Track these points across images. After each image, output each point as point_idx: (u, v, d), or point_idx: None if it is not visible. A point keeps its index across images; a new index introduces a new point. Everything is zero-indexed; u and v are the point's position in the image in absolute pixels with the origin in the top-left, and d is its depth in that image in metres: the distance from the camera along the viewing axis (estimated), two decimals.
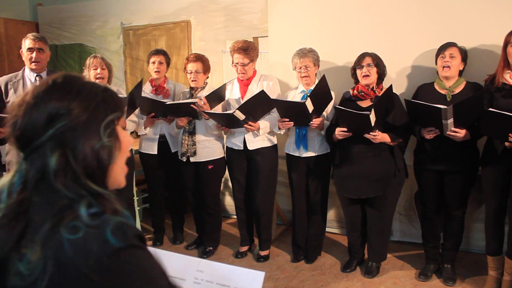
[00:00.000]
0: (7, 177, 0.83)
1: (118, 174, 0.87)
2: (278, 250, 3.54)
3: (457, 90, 2.77)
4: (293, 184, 3.25)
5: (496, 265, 2.74)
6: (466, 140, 2.65)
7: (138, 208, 3.91)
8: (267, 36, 3.76)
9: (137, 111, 3.35)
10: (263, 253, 3.38)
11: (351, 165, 2.92)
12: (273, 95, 3.09)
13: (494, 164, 2.64)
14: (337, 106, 2.84)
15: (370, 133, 2.73)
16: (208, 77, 3.43)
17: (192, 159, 3.33)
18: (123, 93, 3.40)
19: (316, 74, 3.13)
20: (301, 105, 2.88)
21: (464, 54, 2.79)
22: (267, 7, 3.68)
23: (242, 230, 3.49)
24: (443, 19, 3.06)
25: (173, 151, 3.49)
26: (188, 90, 3.43)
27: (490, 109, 2.45)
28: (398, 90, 3.05)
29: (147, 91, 3.48)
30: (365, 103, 2.91)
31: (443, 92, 2.79)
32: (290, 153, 3.20)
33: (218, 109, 3.26)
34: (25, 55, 3.05)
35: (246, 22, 4.09)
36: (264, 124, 3.13)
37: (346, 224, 3.19)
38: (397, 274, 3.08)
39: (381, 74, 2.90)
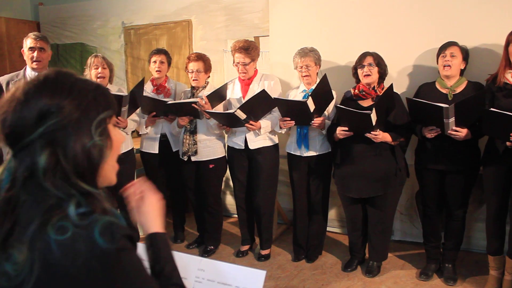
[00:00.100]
0: None
1: (109, 172, 0.85)
2: (279, 249, 3.54)
3: (459, 90, 2.77)
4: (294, 184, 3.25)
5: (497, 265, 2.74)
6: (467, 140, 2.64)
7: None
8: (268, 36, 3.76)
9: (138, 110, 3.35)
10: (264, 252, 3.38)
11: (352, 164, 2.92)
12: (274, 95, 3.08)
13: (495, 164, 2.63)
14: (338, 106, 2.84)
15: (371, 132, 2.73)
16: (209, 77, 3.43)
17: (193, 158, 3.33)
18: (124, 92, 3.40)
19: (317, 73, 3.13)
20: (303, 104, 2.88)
21: (465, 53, 2.79)
22: (268, 7, 3.68)
23: (243, 229, 3.49)
24: (444, 19, 3.06)
25: (174, 150, 3.50)
26: (189, 89, 3.43)
27: (492, 109, 2.44)
28: (399, 89, 3.05)
29: (148, 90, 3.48)
30: (366, 103, 2.91)
31: (444, 91, 2.79)
32: (291, 153, 3.20)
33: (219, 108, 3.26)
34: (26, 54, 3.05)
35: (247, 21, 4.09)
36: (265, 123, 3.13)
37: (347, 224, 3.19)
38: (398, 273, 3.08)
39: (382, 73, 2.90)
